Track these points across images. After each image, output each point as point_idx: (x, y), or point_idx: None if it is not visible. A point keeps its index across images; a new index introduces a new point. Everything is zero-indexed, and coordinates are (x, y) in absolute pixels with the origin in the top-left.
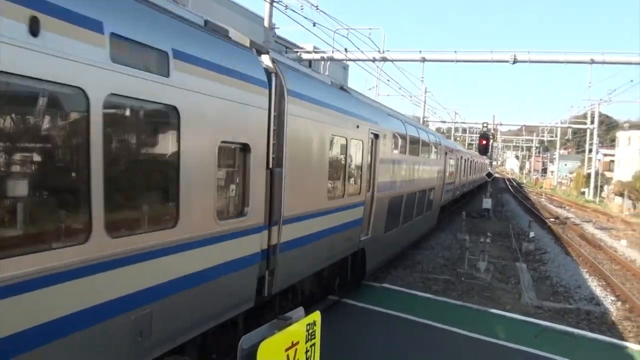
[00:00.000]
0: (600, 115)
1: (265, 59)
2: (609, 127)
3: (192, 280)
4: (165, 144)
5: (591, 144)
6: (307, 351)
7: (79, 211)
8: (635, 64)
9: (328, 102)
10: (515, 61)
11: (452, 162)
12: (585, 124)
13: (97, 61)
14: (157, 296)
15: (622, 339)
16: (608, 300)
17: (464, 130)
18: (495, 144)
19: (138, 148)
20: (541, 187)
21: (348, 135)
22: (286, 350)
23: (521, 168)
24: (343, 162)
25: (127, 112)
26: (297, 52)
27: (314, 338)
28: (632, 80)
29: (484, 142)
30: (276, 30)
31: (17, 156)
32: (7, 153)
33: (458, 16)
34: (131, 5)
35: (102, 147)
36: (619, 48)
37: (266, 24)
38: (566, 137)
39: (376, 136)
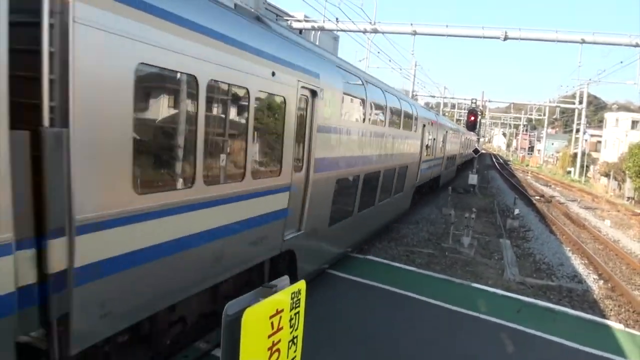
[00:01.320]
0: (589, 95)
1: None
2: (597, 108)
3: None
4: None
5: (579, 124)
6: (291, 319)
7: None
8: (625, 45)
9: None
10: (506, 38)
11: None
12: (573, 103)
13: None
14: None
15: (604, 317)
16: (590, 279)
17: (453, 106)
18: (483, 121)
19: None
20: (527, 165)
21: (444, 133)
22: (270, 317)
23: (508, 145)
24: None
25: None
26: (287, 20)
27: (299, 306)
28: (621, 62)
29: (473, 118)
30: None
31: None
32: None
33: None
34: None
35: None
36: (610, 29)
37: None
38: (554, 117)
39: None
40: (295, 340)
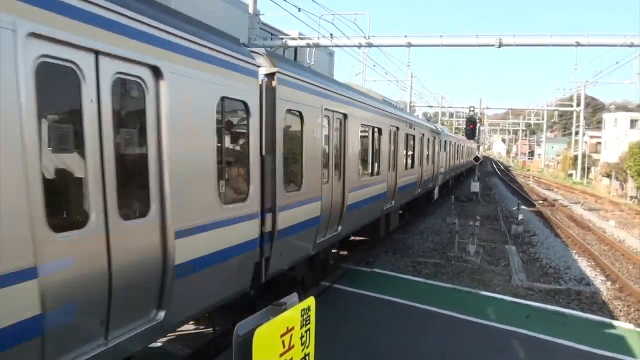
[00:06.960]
0: (586, 97)
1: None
2: (595, 109)
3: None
4: None
5: (577, 126)
6: (302, 336)
7: None
8: (620, 45)
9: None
10: (500, 45)
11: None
12: (571, 106)
13: None
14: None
15: (613, 317)
16: (598, 280)
17: (451, 115)
18: (482, 128)
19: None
20: (528, 170)
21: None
22: (281, 336)
23: (508, 151)
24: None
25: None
26: (282, 38)
27: (309, 323)
28: (617, 62)
29: (472, 126)
30: (261, 16)
31: None
32: None
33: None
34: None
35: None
36: (604, 30)
37: (251, 10)
38: (553, 120)
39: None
40: (307, 357)
